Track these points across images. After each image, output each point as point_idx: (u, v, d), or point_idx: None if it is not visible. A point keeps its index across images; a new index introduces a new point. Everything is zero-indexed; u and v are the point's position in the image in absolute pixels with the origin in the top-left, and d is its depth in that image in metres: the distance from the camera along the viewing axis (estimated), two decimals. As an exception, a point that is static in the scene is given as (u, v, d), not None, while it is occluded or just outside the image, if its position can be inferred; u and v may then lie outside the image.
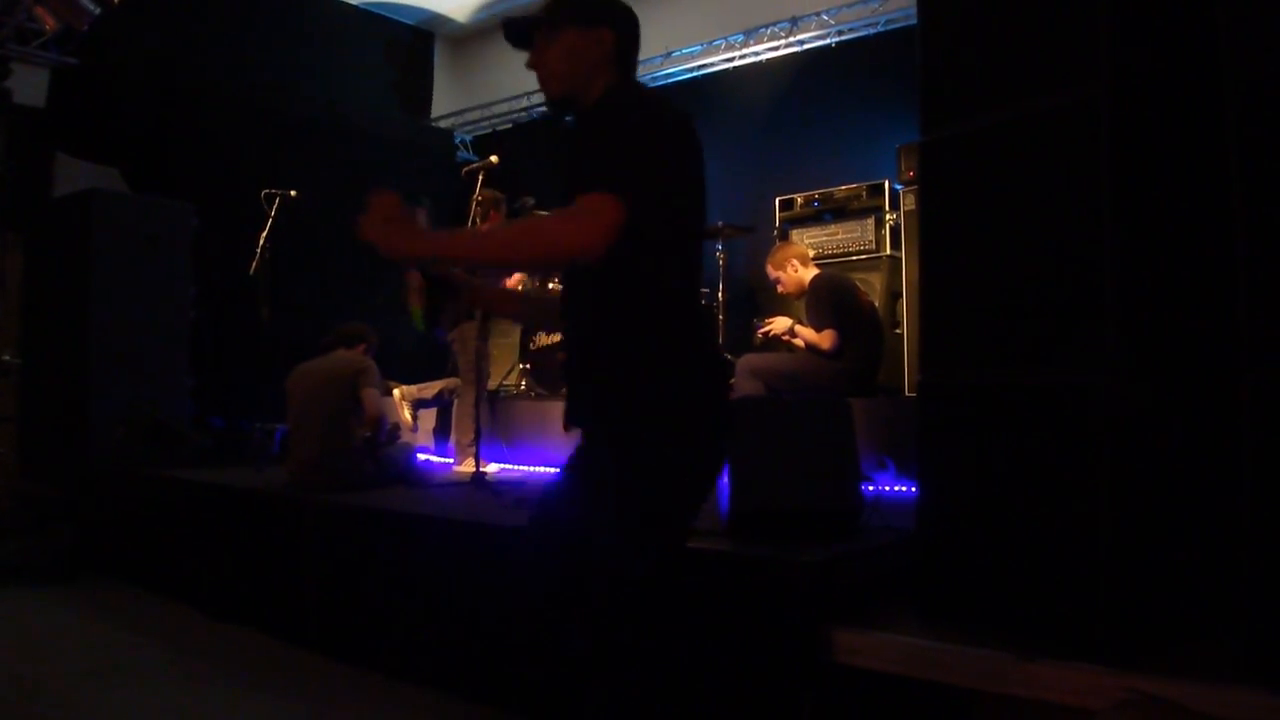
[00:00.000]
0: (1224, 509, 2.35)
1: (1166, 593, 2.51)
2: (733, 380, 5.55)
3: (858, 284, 6.22)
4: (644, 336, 2.18)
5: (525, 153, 9.49)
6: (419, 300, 2.46)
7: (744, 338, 7.34)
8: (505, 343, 8.23)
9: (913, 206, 6.47)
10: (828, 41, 8.22)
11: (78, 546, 5.89)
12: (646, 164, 2.07)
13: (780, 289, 5.94)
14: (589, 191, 1.98)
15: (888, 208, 6.95)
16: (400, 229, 2.04)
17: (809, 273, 5.82)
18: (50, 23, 7.04)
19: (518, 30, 2.39)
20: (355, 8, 10.39)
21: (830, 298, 5.58)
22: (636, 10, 2.37)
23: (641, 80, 2.51)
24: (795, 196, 7.51)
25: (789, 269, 5.81)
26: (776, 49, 8.50)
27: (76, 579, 5.73)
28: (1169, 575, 2.52)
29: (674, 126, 2.20)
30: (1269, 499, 2.17)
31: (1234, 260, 2.26)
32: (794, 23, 8.23)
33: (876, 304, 6.42)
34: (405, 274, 2.53)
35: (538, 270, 6.49)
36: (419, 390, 6.76)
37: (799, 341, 5.66)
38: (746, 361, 5.46)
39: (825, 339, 5.46)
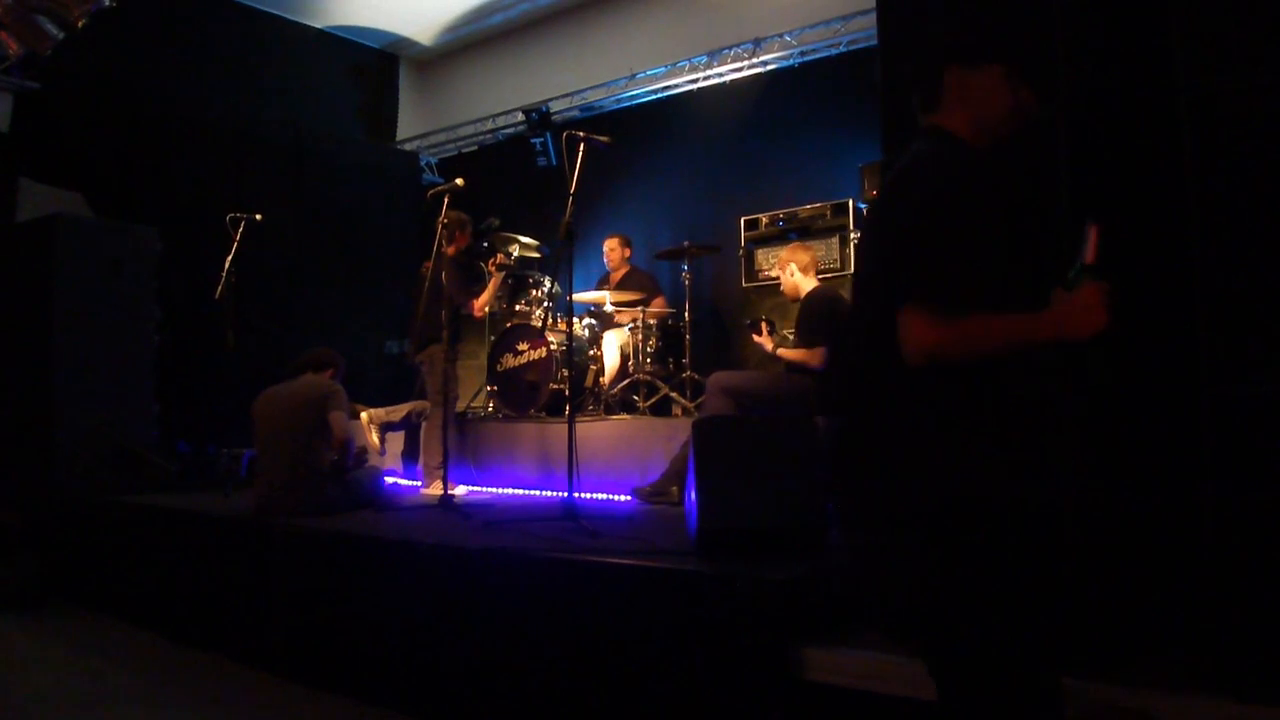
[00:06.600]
0: (1191, 521, 2.38)
1: (1135, 605, 2.54)
2: (703, 399, 5.57)
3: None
4: None
5: (490, 175, 9.51)
6: None
7: (712, 355, 7.39)
8: (473, 364, 8.23)
9: (876, 225, 6.51)
10: (790, 62, 8.27)
11: (43, 574, 5.82)
12: None
13: (780, 284, 5.99)
14: None
15: (852, 226, 7.00)
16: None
17: (808, 283, 5.79)
18: (13, 47, 6.98)
19: None
20: (319, 31, 10.36)
21: (823, 313, 5.54)
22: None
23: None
24: (760, 216, 7.56)
25: (788, 272, 5.81)
26: (740, 70, 8.54)
27: (42, 606, 5.67)
28: (1137, 587, 2.54)
29: None
30: (1231, 512, 2.20)
31: (1192, 274, 2.30)
32: (757, 44, 8.27)
33: (841, 322, 6.45)
34: None
35: None
36: (386, 413, 6.73)
37: (786, 353, 5.68)
38: (718, 379, 5.45)
39: (815, 356, 5.43)
